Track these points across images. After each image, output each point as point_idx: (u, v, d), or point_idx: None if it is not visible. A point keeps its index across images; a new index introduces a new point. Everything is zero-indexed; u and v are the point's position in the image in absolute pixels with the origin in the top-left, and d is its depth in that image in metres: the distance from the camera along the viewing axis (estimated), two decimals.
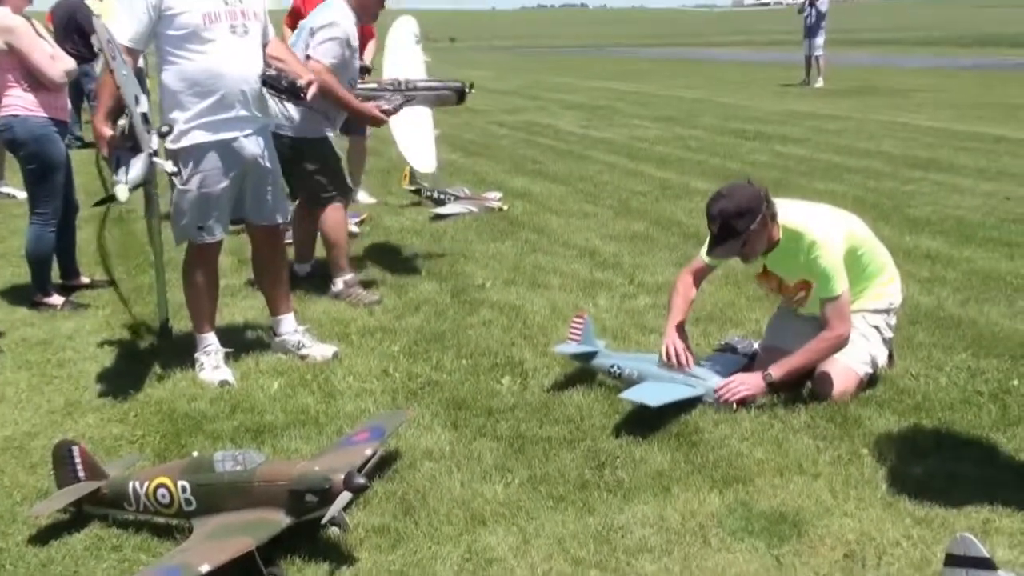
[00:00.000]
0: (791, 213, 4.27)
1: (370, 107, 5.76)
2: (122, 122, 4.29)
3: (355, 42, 5.69)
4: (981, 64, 27.90)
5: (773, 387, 4.17)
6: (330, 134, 5.85)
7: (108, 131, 4.33)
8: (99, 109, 4.42)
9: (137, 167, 4.16)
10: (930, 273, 6.11)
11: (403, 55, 7.44)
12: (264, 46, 4.69)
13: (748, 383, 4.13)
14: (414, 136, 7.44)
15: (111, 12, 5.97)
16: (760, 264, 4.41)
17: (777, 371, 4.15)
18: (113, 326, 5.52)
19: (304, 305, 5.64)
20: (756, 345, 4.63)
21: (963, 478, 3.48)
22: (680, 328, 4.38)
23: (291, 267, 6.07)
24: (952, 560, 2.52)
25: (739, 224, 4.08)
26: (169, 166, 4.36)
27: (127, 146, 4.24)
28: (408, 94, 6.09)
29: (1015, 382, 4.33)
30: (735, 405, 4.08)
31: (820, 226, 4.22)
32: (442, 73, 7.38)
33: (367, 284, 6.06)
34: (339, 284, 5.91)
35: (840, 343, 4.17)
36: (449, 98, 6.41)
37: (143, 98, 4.30)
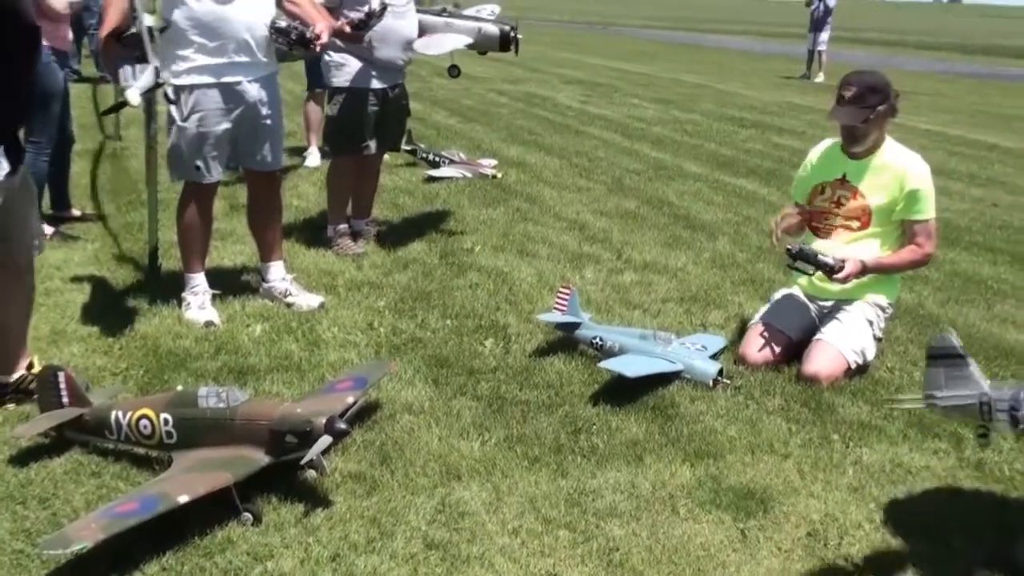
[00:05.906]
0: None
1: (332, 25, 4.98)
2: (132, 31, 4.22)
3: None
4: (981, 73, 27.96)
5: (865, 269, 4.43)
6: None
7: (113, 41, 4.22)
8: (106, 23, 4.29)
9: (146, 75, 4.10)
10: (913, 272, 6.14)
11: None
12: None
13: (850, 266, 4.37)
14: (437, 38, 6.30)
15: None
16: (840, 171, 4.62)
17: (870, 262, 4.44)
18: (102, 260, 5.54)
19: (294, 255, 5.66)
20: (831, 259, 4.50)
21: (927, 468, 3.57)
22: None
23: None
24: (932, 355, 2.84)
25: (872, 98, 4.47)
26: (171, 91, 4.29)
27: (133, 55, 4.19)
28: (448, 18, 6.03)
29: None
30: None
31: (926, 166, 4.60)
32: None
33: (355, 236, 6.09)
34: (329, 231, 6.01)
35: (925, 260, 4.63)
36: (491, 38, 6.07)
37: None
